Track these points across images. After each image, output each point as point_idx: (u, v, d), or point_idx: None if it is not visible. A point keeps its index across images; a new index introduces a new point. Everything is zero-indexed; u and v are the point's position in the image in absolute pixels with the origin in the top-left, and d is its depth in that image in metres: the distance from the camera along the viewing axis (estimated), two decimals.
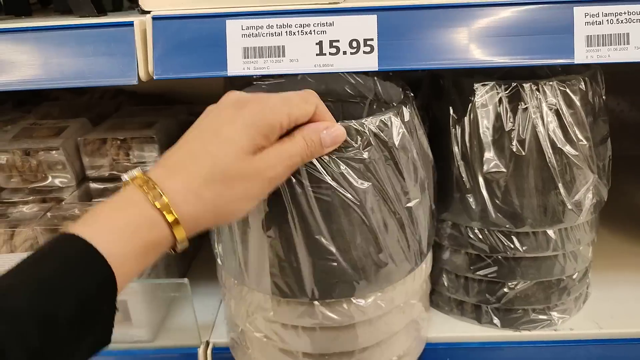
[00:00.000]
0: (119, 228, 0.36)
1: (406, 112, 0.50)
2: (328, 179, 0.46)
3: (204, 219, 0.40)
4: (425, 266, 0.57)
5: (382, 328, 0.54)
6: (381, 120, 0.47)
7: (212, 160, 0.39)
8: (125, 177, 0.39)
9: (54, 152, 0.67)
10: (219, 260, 0.56)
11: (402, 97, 0.55)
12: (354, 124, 0.46)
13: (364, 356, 0.54)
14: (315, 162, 0.45)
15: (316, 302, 0.51)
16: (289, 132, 0.43)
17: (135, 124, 0.72)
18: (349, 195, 0.47)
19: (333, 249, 0.48)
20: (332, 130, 0.44)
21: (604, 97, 0.60)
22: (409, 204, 0.50)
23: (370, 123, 0.47)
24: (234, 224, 0.51)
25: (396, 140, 0.48)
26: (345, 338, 0.53)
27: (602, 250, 0.73)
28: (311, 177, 0.46)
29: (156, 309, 0.65)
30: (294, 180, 0.46)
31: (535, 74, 0.62)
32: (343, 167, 0.46)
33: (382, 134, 0.47)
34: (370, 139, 0.47)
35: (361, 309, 0.51)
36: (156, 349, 0.64)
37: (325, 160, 0.46)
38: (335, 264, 0.48)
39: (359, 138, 0.46)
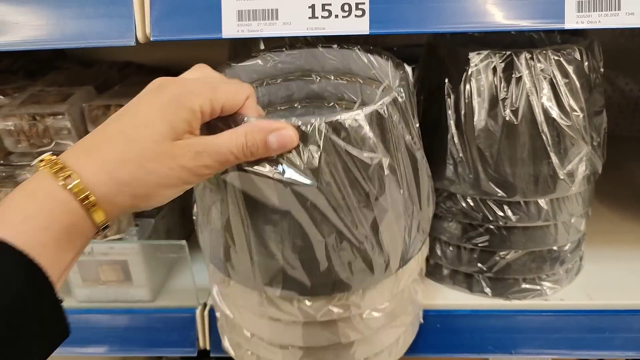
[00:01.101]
0: (32, 217, 0.34)
1: (382, 109, 0.43)
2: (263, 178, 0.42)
3: (120, 201, 0.37)
4: (405, 271, 0.53)
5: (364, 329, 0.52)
6: (338, 121, 0.41)
7: (127, 141, 0.37)
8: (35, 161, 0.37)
9: (59, 117, 0.69)
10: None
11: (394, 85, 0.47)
12: (302, 125, 0.41)
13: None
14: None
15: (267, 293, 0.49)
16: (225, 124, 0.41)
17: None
18: (278, 201, 0.43)
19: (274, 250, 0.46)
20: (282, 133, 0.40)
21: (601, 69, 0.60)
22: (366, 217, 0.45)
23: (323, 126, 0.41)
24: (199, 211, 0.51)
25: (357, 146, 0.42)
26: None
27: (599, 226, 0.74)
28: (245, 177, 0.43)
29: (156, 270, 0.68)
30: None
31: (536, 46, 0.62)
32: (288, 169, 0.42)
33: (336, 139, 0.42)
34: (322, 143, 0.41)
35: (307, 308, 0.50)
36: (156, 309, 0.66)
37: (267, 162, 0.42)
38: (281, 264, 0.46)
39: (309, 140, 0.41)
